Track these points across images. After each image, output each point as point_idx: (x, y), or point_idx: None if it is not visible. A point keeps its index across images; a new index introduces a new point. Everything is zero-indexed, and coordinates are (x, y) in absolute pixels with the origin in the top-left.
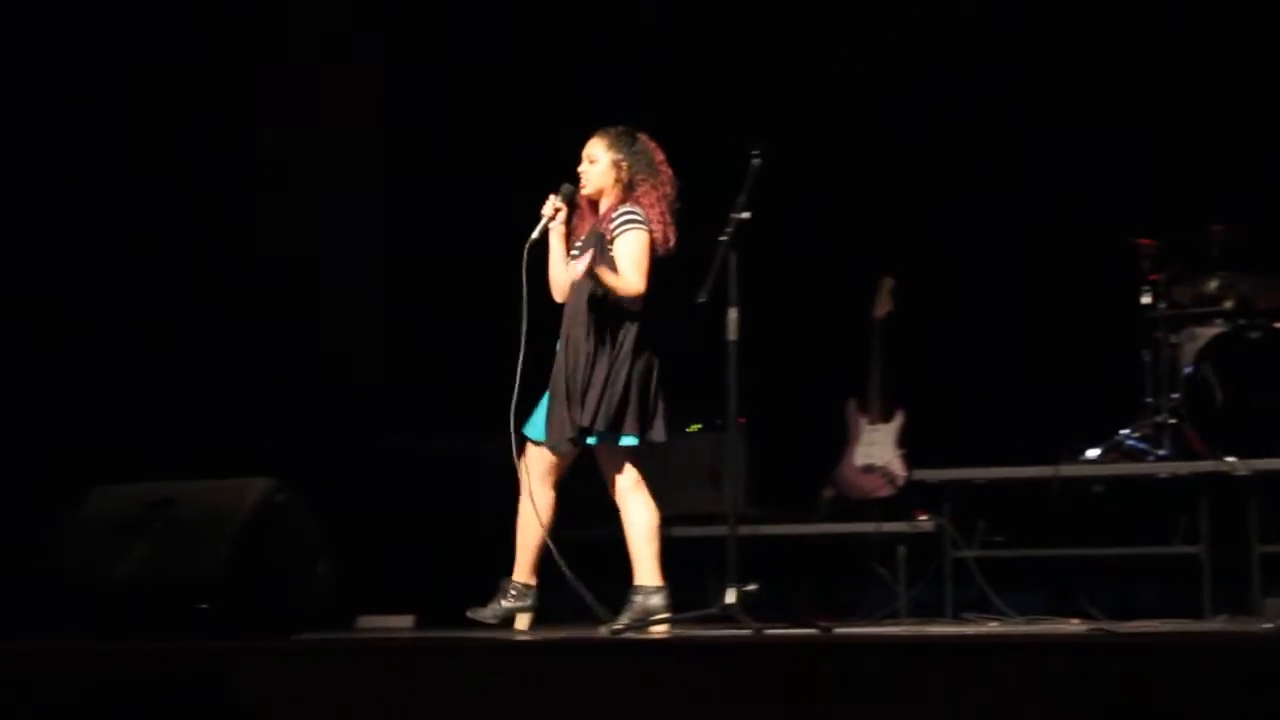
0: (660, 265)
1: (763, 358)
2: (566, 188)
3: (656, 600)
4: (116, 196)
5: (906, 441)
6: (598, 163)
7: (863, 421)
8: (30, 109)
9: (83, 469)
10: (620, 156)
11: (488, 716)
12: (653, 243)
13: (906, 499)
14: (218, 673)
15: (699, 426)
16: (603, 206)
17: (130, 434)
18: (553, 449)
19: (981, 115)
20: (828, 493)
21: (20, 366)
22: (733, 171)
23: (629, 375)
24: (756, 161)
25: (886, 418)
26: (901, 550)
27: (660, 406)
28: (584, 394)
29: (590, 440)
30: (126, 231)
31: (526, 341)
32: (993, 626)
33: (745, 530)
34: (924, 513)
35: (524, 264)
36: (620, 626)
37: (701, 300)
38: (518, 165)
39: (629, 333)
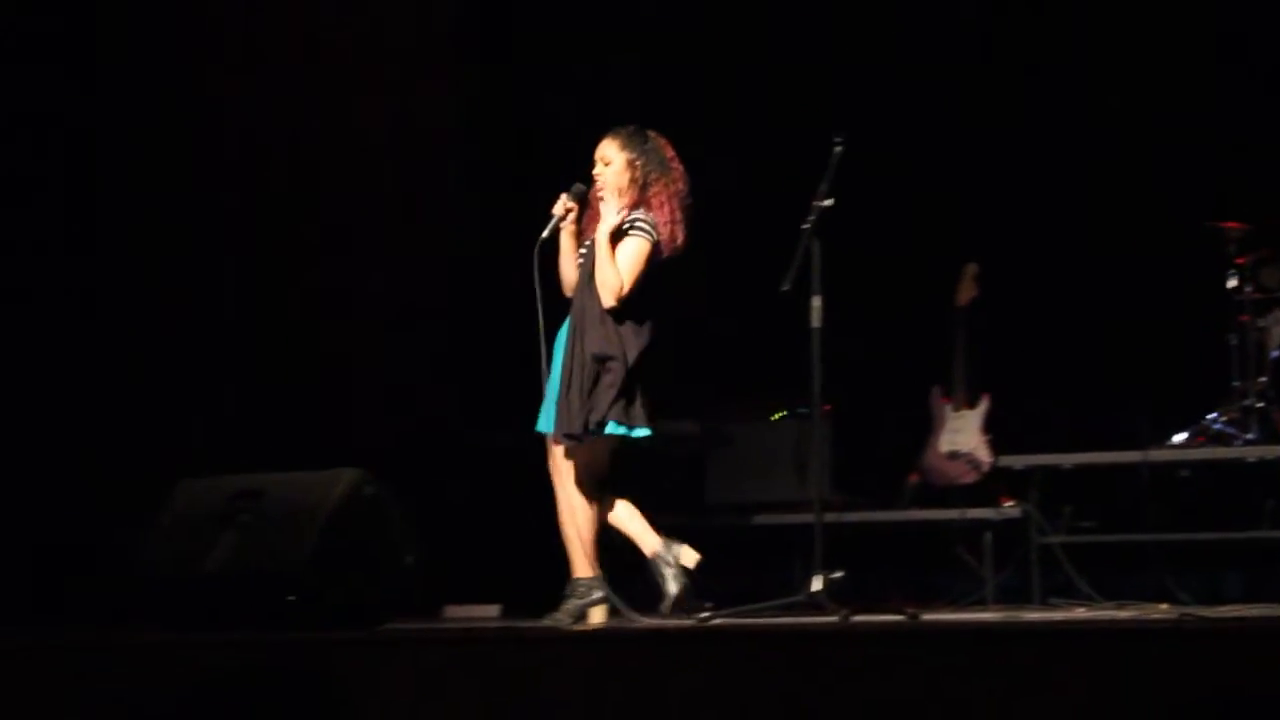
0: (667, 265)
1: (847, 345)
2: (578, 187)
3: (675, 573)
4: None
5: (992, 427)
6: (612, 164)
7: (947, 408)
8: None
9: (172, 462)
10: (634, 156)
11: (572, 705)
12: (656, 250)
13: (992, 485)
14: (307, 664)
15: (783, 414)
16: (619, 204)
17: (221, 427)
18: (556, 439)
19: (1066, 99)
20: (913, 480)
21: (106, 360)
22: (816, 159)
23: (632, 372)
24: (839, 149)
25: (971, 404)
26: (987, 537)
27: (646, 401)
28: (592, 390)
29: (595, 433)
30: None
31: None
32: (1080, 612)
33: (831, 518)
34: (1010, 499)
35: (535, 262)
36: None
37: (785, 289)
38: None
39: (634, 332)
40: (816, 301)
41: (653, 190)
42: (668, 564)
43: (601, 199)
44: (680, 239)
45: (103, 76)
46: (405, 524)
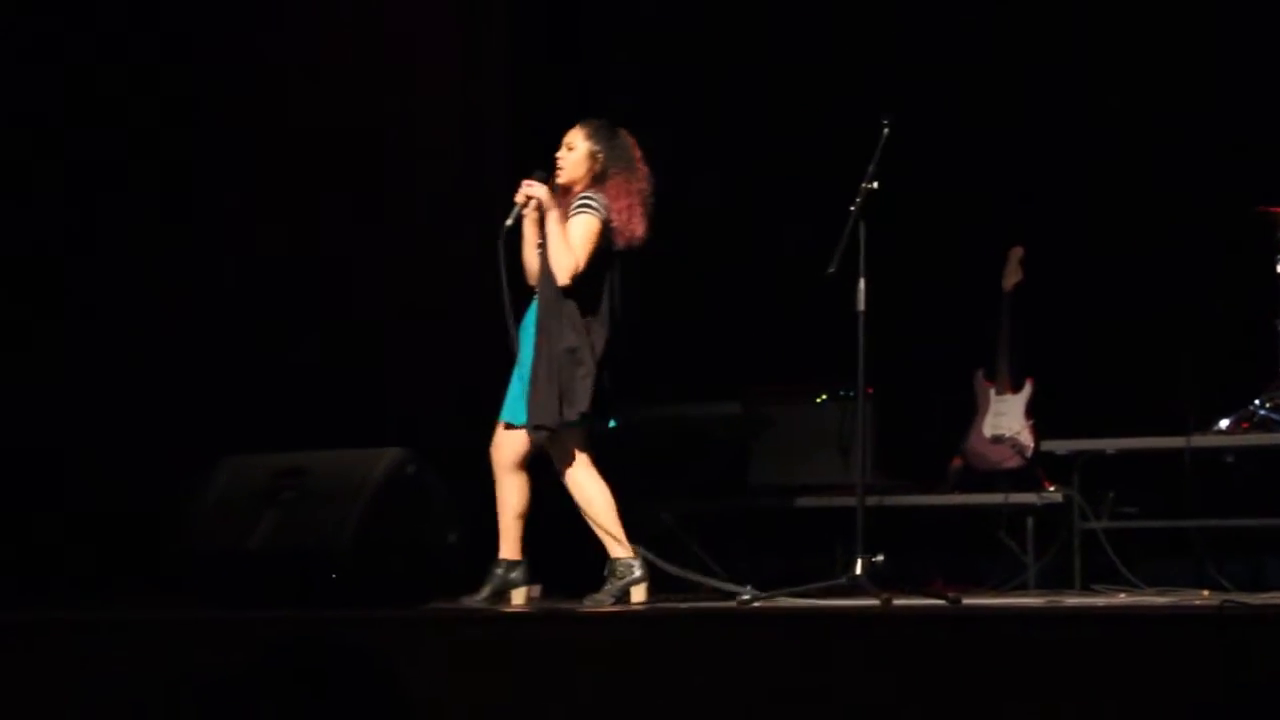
0: (619, 256)
1: (892, 328)
2: (539, 174)
3: (637, 571)
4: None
5: (1035, 412)
6: (575, 150)
7: (991, 392)
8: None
9: (215, 439)
10: (598, 148)
11: (611, 685)
12: (605, 229)
13: (1035, 470)
14: (349, 642)
15: (827, 397)
16: (576, 191)
17: (266, 405)
18: (532, 432)
19: (1112, 82)
20: (956, 464)
21: (152, 337)
22: (863, 141)
23: (600, 362)
24: (886, 131)
25: (1015, 388)
26: (1030, 521)
27: (611, 389)
28: (569, 383)
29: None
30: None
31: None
32: (1121, 598)
33: (873, 501)
34: (1052, 484)
35: (500, 251)
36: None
37: (831, 271)
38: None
39: (592, 320)
40: (862, 284)
41: (611, 181)
42: (623, 578)
43: (559, 182)
44: (639, 231)
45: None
46: (448, 503)
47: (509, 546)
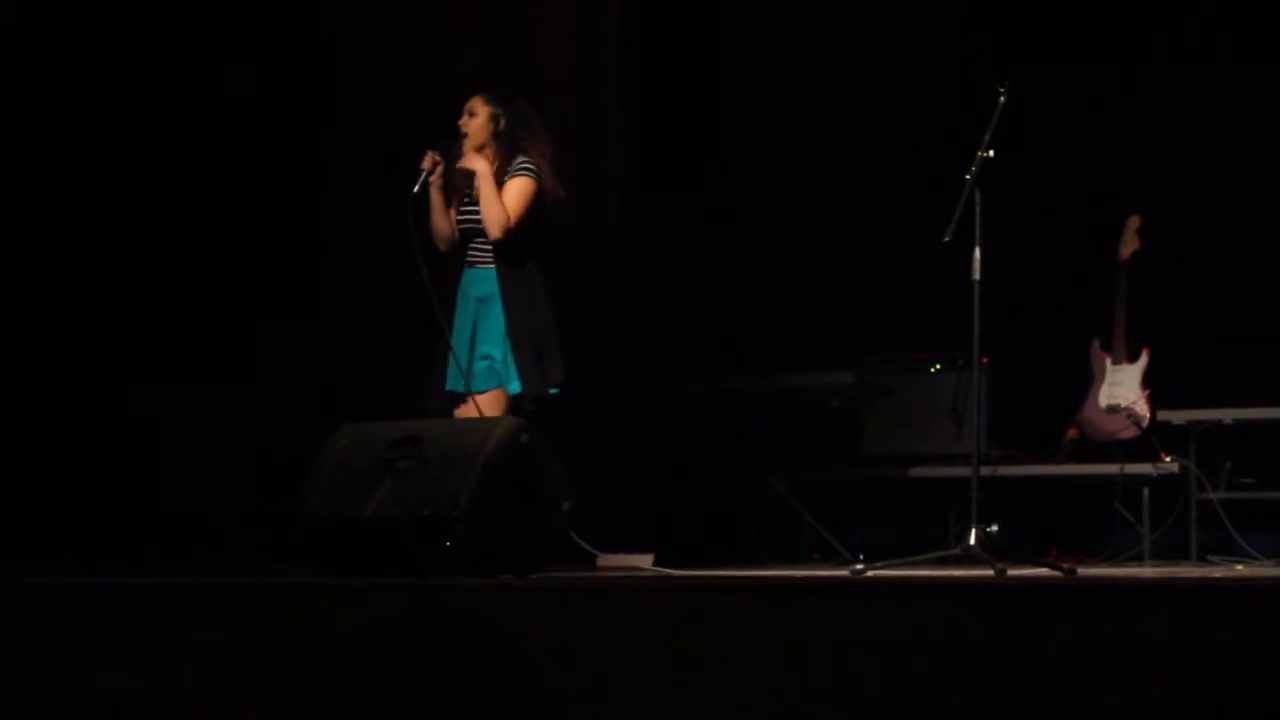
0: (550, 212)
1: (1007, 297)
2: (442, 142)
3: None
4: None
5: (1152, 382)
6: (477, 115)
7: (1107, 361)
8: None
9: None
10: (497, 110)
11: (725, 654)
12: (541, 190)
13: (1151, 440)
14: (463, 609)
15: (941, 366)
16: (488, 155)
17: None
18: (530, 403)
19: (1230, 45)
20: (1071, 433)
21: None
22: (981, 109)
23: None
24: (1003, 99)
25: (1132, 358)
26: (1146, 492)
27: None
28: (551, 350)
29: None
30: None
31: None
32: (1239, 570)
33: (987, 471)
34: (1169, 454)
35: (410, 219)
36: None
37: (947, 240)
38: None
39: (541, 281)
40: (978, 253)
41: (528, 144)
42: None
43: (465, 148)
44: (562, 192)
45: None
46: (562, 471)
47: None
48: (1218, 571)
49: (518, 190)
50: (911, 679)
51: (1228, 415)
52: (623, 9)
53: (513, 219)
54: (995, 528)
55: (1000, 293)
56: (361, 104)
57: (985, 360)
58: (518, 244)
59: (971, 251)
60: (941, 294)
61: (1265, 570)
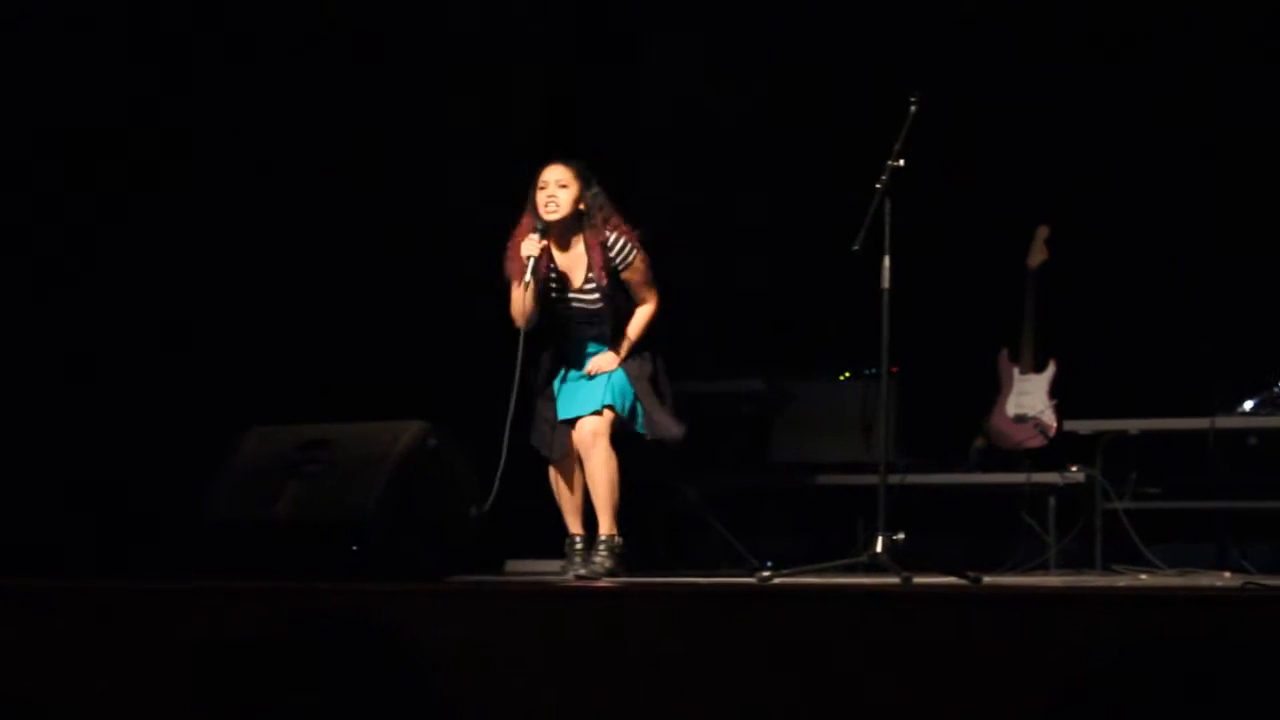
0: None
1: (916, 306)
2: (542, 225)
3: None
4: None
5: (1059, 392)
6: (569, 189)
7: (1015, 371)
8: None
9: (241, 410)
10: (589, 188)
11: (630, 661)
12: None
13: (1058, 450)
14: (369, 614)
15: (849, 375)
16: (574, 243)
17: (293, 376)
18: (668, 442)
19: (1139, 56)
20: (978, 443)
21: (180, 310)
22: (890, 119)
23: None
24: (913, 108)
25: (1039, 368)
26: (1052, 501)
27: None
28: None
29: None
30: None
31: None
32: (1143, 579)
33: (895, 479)
34: (1075, 464)
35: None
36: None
37: (856, 249)
38: None
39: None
40: (887, 262)
41: (613, 222)
42: (617, 553)
43: (552, 220)
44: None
45: None
46: (470, 477)
47: (580, 523)
48: (1122, 581)
49: (645, 271)
50: (816, 686)
51: (1133, 426)
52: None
53: (658, 303)
54: (902, 536)
55: (909, 302)
56: None
57: (894, 369)
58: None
59: (881, 260)
60: (851, 302)
61: (1169, 580)
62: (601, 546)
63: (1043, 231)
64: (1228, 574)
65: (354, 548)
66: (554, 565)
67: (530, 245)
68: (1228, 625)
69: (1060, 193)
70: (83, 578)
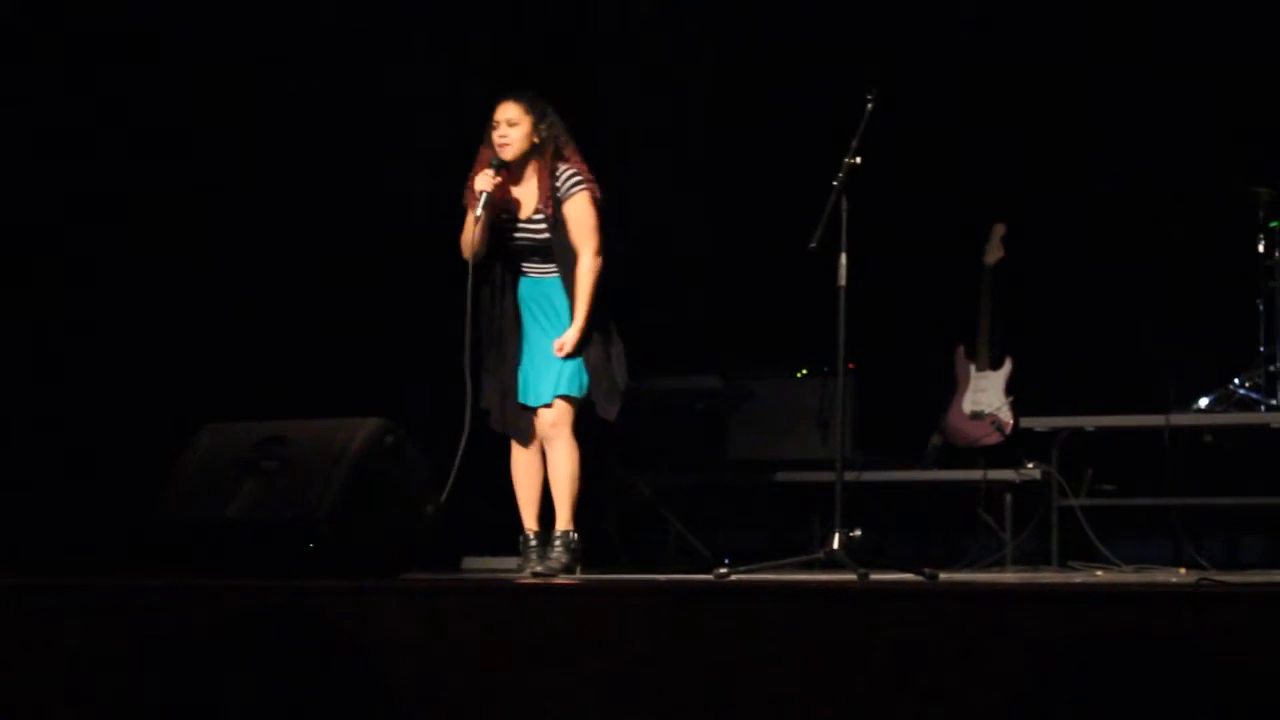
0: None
1: (872, 304)
2: (496, 160)
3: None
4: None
5: (1015, 389)
6: (518, 125)
7: (971, 368)
8: None
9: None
10: (540, 119)
11: (586, 657)
12: (596, 201)
13: (1014, 447)
14: (324, 611)
15: (807, 372)
16: (527, 175)
17: (248, 373)
18: (607, 414)
19: (1096, 58)
20: (935, 440)
21: (137, 301)
22: (848, 116)
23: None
24: (870, 106)
25: (995, 365)
26: (1008, 498)
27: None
28: (619, 363)
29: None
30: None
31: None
32: (1099, 576)
33: (851, 476)
34: (1031, 461)
35: (475, 230)
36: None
37: (813, 246)
38: None
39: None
40: (843, 259)
41: (567, 151)
42: (574, 550)
43: (506, 159)
44: (598, 192)
45: None
46: (427, 474)
47: (535, 518)
48: (1077, 577)
49: (585, 213)
50: (773, 682)
51: (1089, 423)
52: None
53: (596, 251)
54: (859, 533)
55: (866, 299)
56: None
57: (850, 366)
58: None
59: (838, 257)
60: (808, 299)
61: (1124, 576)
62: (558, 542)
63: (999, 229)
64: (1183, 570)
65: (310, 545)
66: (511, 563)
67: (484, 180)
68: (1183, 621)
69: (1016, 190)
70: (35, 575)
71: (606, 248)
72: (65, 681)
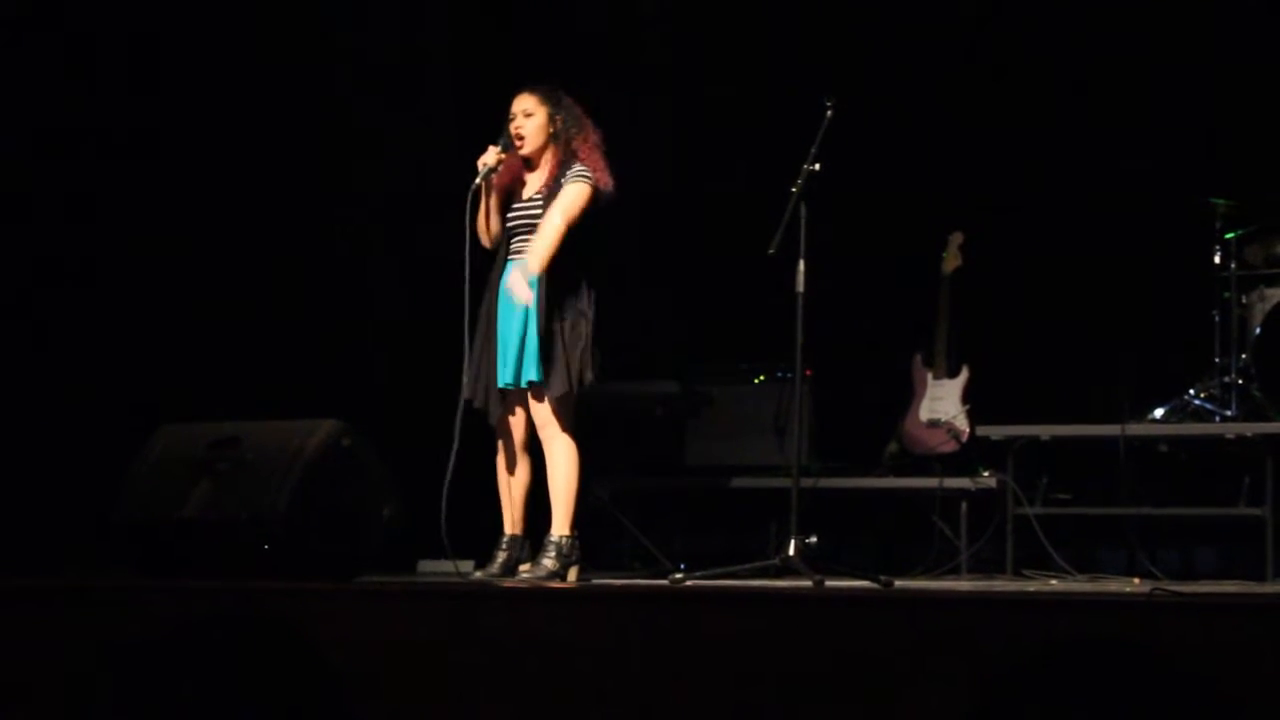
0: (604, 211)
1: (830, 310)
2: (505, 139)
3: (577, 553)
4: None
5: (971, 397)
6: (534, 117)
7: (928, 376)
8: None
9: (152, 408)
10: (554, 111)
11: (543, 661)
12: (595, 194)
13: (970, 455)
14: (279, 613)
15: (764, 378)
16: (541, 163)
17: (204, 374)
18: (555, 401)
19: (1054, 68)
20: (891, 447)
21: (92, 302)
22: (806, 123)
23: (593, 324)
24: (829, 113)
25: (952, 373)
26: (964, 506)
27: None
28: (577, 347)
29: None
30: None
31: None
32: (1053, 584)
33: (808, 483)
34: (987, 469)
35: (469, 211)
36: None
37: (771, 252)
38: None
39: (590, 283)
40: (801, 266)
41: (576, 143)
42: (568, 555)
43: (523, 152)
44: (610, 183)
45: None
46: (383, 477)
47: (517, 522)
48: (1031, 585)
49: (574, 196)
50: (728, 687)
51: (1045, 431)
52: None
53: (564, 227)
54: (814, 539)
55: (824, 305)
56: None
57: (808, 373)
58: (562, 248)
59: (796, 264)
60: (766, 305)
61: (1078, 585)
62: (550, 547)
63: (957, 237)
64: (1137, 580)
65: (265, 547)
66: (467, 565)
67: (488, 155)
68: (1136, 630)
69: (974, 198)
70: None
71: (595, 244)
72: (20, 681)
